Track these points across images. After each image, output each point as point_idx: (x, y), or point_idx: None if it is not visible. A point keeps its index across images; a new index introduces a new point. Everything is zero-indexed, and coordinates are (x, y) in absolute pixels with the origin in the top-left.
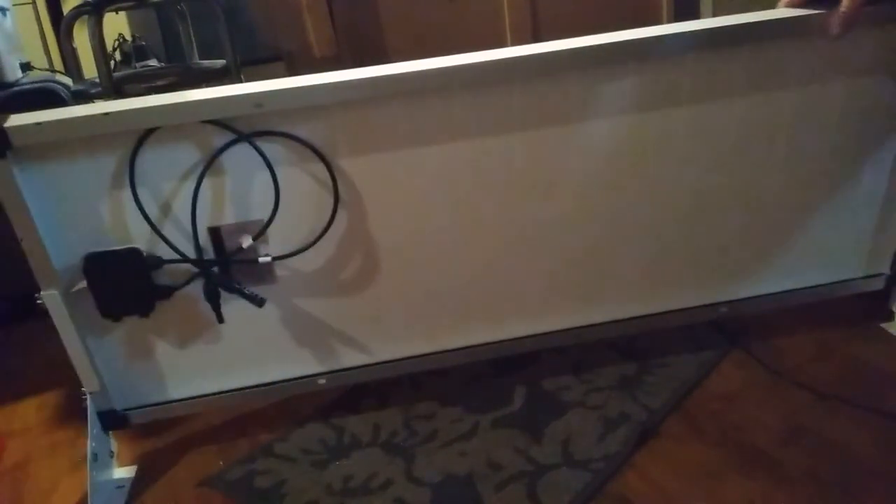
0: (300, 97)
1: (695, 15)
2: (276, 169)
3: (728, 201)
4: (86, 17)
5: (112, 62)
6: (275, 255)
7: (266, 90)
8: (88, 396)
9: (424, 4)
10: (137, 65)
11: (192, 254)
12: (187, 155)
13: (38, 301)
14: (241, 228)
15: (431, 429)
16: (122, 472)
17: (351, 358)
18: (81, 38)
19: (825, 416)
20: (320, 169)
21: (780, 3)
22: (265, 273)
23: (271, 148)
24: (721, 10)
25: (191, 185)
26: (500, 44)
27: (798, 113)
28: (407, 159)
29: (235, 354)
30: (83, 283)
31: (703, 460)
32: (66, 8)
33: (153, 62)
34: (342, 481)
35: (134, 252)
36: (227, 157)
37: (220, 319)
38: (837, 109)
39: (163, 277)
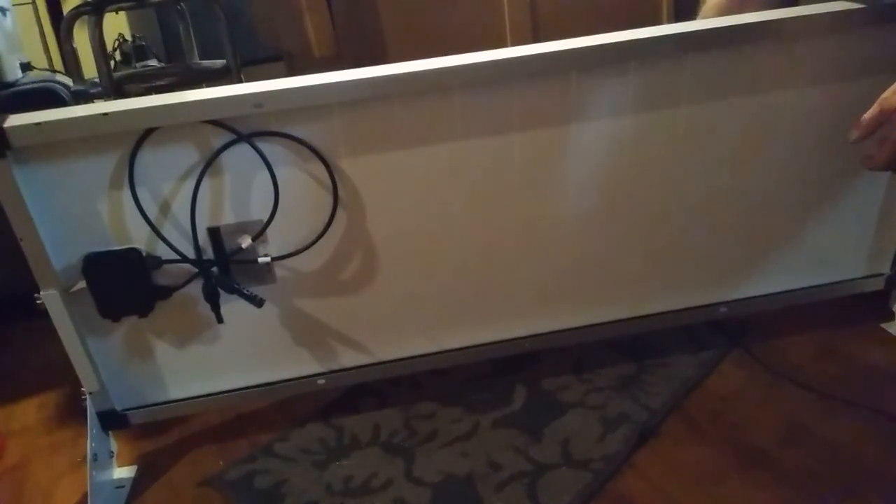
0: (300, 97)
1: (695, 15)
2: (275, 169)
3: (728, 201)
4: (86, 17)
5: (112, 62)
6: (274, 255)
7: (266, 90)
8: (88, 396)
9: (424, 4)
10: (137, 65)
11: (191, 254)
12: (187, 155)
13: (38, 301)
14: (241, 229)
15: (431, 429)
16: (122, 472)
17: (350, 358)
18: (81, 38)
19: (825, 416)
20: (320, 169)
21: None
22: (264, 273)
23: (271, 148)
24: None
25: (190, 185)
26: (500, 44)
27: (798, 113)
28: (407, 159)
29: (235, 354)
30: (83, 283)
31: (703, 460)
32: (66, 8)
33: (153, 62)
34: (342, 481)
35: (133, 252)
36: (227, 158)
37: (220, 320)
38: (838, 109)
39: (162, 277)
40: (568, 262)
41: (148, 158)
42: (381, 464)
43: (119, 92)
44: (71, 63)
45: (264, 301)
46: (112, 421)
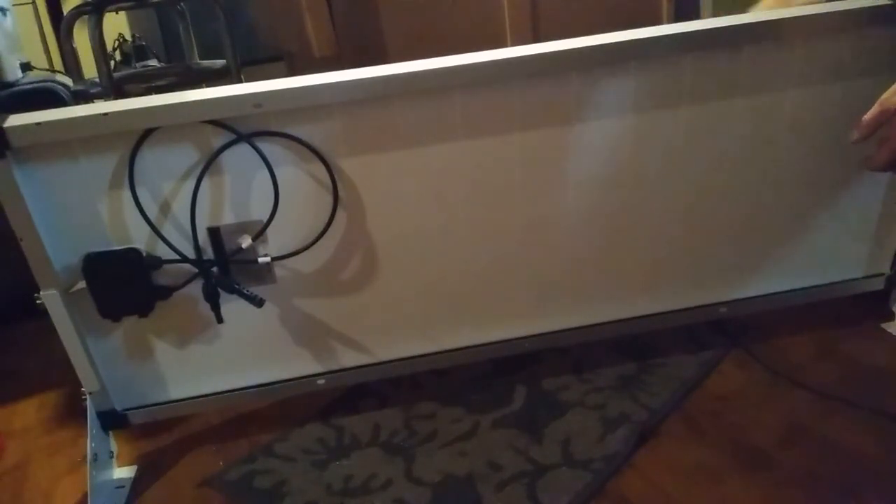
0: (300, 97)
1: (695, 15)
2: (275, 169)
3: (728, 201)
4: (86, 17)
5: (112, 62)
6: (274, 255)
7: (266, 90)
8: (88, 396)
9: (424, 4)
10: (137, 65)
11: (191, 254)
12: (187, 155)
13: (38, 301)
14: (241, 228)
15: (431, 429)
16: (122, 472)
17: (350, 358)
18: (81, 38)
19: (825, 416)
20: (320, 169)
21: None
22: (264, 273)
23: (271, 148)
24: (721, 11)
25: (190, 185)
26: (500, 44)
27: (798, 113)
28: (407, 159)
29: (235, 354)
30: (83, 283)
31: (703, 460)
32: (66, 8)
33: (153, 62)
34: (342, 481)
35: (133, 252)
36: (227, 158)
37: (220, 320)
38: (838, 109)
39: (162, 277)
40: (568, 262)
41: (148, 158)
42: (381, 464)
43: (119, 92)
44: (71, 63)
45: (264, 301)
46: (112, 421)
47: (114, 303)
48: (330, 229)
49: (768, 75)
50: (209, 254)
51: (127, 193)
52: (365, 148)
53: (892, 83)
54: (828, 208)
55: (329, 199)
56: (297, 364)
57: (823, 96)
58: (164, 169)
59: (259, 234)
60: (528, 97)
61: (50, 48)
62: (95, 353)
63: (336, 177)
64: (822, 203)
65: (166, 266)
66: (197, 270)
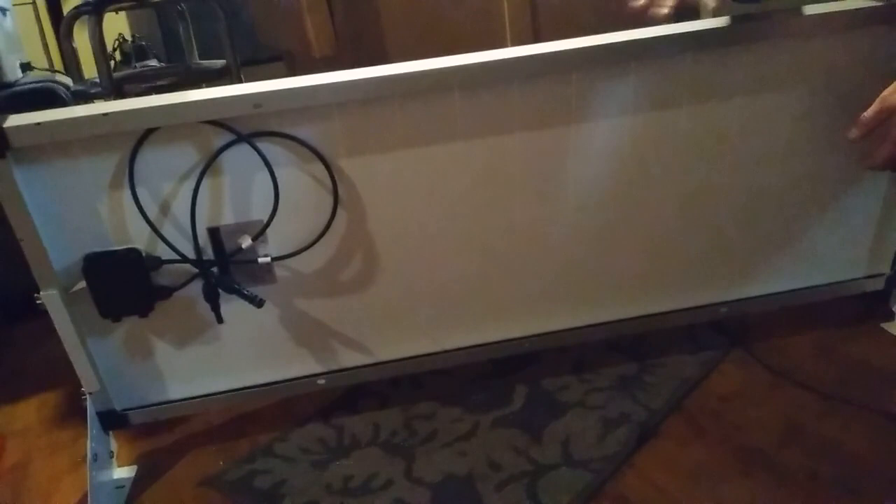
0: (300, 97)
1: (695, 15)
2: (275, 169)
3: (728, 201)
4: (86, 17)
5: (112, 62)
6: (274, 255)
7: (265, 90)
8: (88, 396)
9: (424, 4)
10: (137, 65)
11: (191, 254)
12: (187, 155)
13: (38, 301)
14: (241, 229)
15: (431, 429)
16: (122, 472)
17: (350, 358)
18: (81, 38)
19: (825, 416)
20: (320, 169)
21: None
22: (264, 273)
23: (271, 148)
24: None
25: (190, 185)
26: (500, 44)
27: (798, 113)
28: (407, 159)
29: (235, 354)
30: (83, 284)
31: (703, 460)
32: (66, 8)
33: (153, 62)
34: (342, 481)
35: (133, 252)
36: (227, 158)
37: (220, 320)
38: (837, 109)
39: (162, 278)
40: (568, 262)
41: (148, 158)
42: (381, 464)
43: (119, 92)
44: (71, 63)
45: (264, 301)
46: (112, 421)
47: (114, 303)
48: (330, 229)
49: (768, 75)
50: (209, 254)
51: (127, 193)
52: (365, 148)
53: (892, 82)
54: (828, 208)
55: (329, 199)
56: (297, 364)
57: (823, 96)
58: (164, 169)
59: (259, 234)
60: (528, 97)
61: (50, 48)
62: (95, 353)
63: (336, 177)
64: (822, 203)
65: (166, 266)
66: (197, 270)
